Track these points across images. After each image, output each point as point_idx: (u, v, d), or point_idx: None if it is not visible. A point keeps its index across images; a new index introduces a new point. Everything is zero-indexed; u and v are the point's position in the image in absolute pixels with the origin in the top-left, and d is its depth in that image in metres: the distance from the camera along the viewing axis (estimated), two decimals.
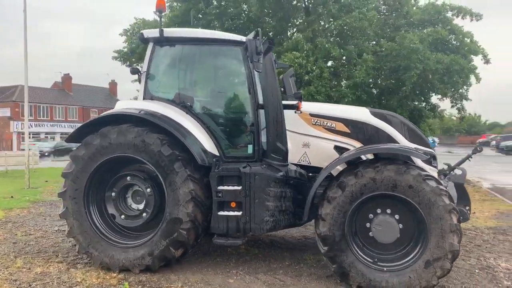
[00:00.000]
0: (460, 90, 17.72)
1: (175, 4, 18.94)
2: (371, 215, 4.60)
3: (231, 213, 4.92)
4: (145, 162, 5.07)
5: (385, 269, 4.46)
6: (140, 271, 5.00)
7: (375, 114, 5.40)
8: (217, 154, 5.23)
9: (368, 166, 4.53)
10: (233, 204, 4.94)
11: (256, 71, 4.80)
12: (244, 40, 5.26)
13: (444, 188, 4.38)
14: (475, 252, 6.04)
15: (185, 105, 5.35)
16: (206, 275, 4.99)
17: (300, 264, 5.45)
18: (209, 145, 5.21)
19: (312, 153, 5.44)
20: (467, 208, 5.26)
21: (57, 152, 38.08)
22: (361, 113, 5.43)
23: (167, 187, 4.95)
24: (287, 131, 5.14)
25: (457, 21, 17.98)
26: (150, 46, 5.53)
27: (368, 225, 4.61)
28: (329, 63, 16.85)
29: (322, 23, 17.58)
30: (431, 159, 5.17)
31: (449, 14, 17.70)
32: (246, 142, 5.36)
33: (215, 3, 18.75)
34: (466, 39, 17.31)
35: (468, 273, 5.12)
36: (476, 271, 5.21)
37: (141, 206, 5.28)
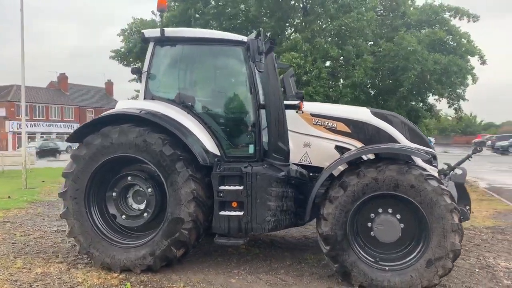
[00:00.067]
0: (458, 91, 17.83)
1: (172, 4, 18.92)
2: (372, 215, 4.62)
3: (233, 213, 4.92)
4: (147, 162, 5.06)
5: (387, 268, 4.47)
6: (142, 271, 4.98)
7: (376, 114, 5.42)
8: (218, 154, 5.23)
9: (370, 166, 4.54)
10: (234, 204, 4.94)
11: (258, 71, 4.80)
12: (246, 40, 5.26)
13: (446, 188, 4.41)
14: (474, 252, 6.08)
15: (186, 105, 5.34)
16: (208, 275, 4.99)
17: (301, 263, 5.46)
18: (210, 145, 5.21)
19: (313, 153, 5.45)
20: (467, 207, 5.29)
21: (42, 152, 37.57)
22: (362, 113, 5.45)
23: (168, 187, 4.95)
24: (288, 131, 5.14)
25: (454, 22, 18.12)
26: (150, 46, 5.52)
27: (369, 224, 4.62)
28: (327, 63, 16.88)
29: (320, 23, 17.61)
30: (431, 159, 5.20)
31: (447, 15, 17.80)
32: (247, 142, 5.36)
33: (213, 3, 18.74)
34: (463, 40, 17.40)
35: (468, 272, 5.15)
36: (476, 270, 5.24)
37: (142, 206, 5.26)
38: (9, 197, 11.36)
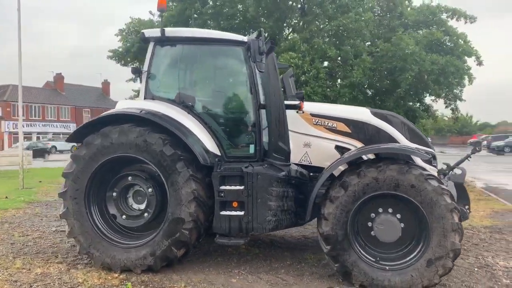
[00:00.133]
0: (455, 91, 17.92)
1: (170, 4, 18.89)
2: (373, 215, 4.64)
3: (233, 212, 4.93)
4: (147, 162, 5.06)
5: (387, 268, 4.49)
6: (142, 271, 4.98)
7: (375, 114, 5.45)
8: (219, 154, 5.24)
9: (371, 166, 4.56)
10: (235, 204, 4.95)
11: (259, 71, 4.81)
12: (246, 40, 5.27)
13: (446, 188, 4.43)
14: (473, 251, 6.11)
15: (186, 105, 5.34)
16: (209, 275, 4.99)
17: (301, 263, 5.47)
18: (210, 145, 5.21)
19: (313, 153, 5.47)
20: (467, 207, 5.32)
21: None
22: (362, 113, 5.47)
23: (169, 187, 4.94)
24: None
25: (451, 23, 18.20)
26: (151, 46, 5.51)
27: (370, 224, 4.64)
28: (325, 64, 16.92)
29: (318, 23, 17.65)
30: (431, 159, 5.22)
31: (444, 16, 17.88)
32: (247, 142, 5.37)
33: (211, 3, 18.74)
34: (460, 40, 17.49)
35: (468, 271, 5.18)
36: (475, 269, 5.27)
37: (142, 206, 5.25)
38: (6, 197, 11.30)
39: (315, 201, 4.86)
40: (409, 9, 19.08)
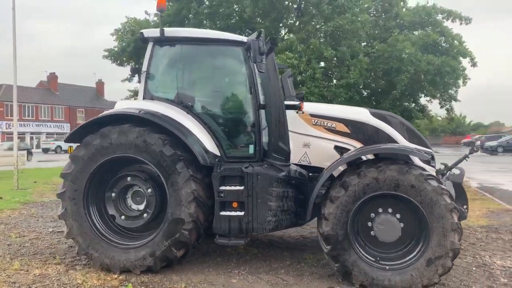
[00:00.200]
0: (450, 91, 18.04)
1: (166, 3, 18.82)
2: (372, 214, 4.65)
3: (233, 213, 4.92)
4: (146, 163, 5.04)
5: (387, 267, 4.51)
6: (141, 272, 4.95)
7: (374, 115, 5.47)
8: (219, 154, 5.23)
9: (371, 166, 4.58)
10: (235, 204, 4.94)
11: (259, 71, 4.81)
12: (245, 41, 5.27)
13: (445, 188, 4.46)
14: (470, 250, 6.15)
15: (186, 105, 5.33)
16: (208, 276, 4.98)
17: (300, 263, 5.48)
18: (210, 145, 5.20)
19: (313, 153, 5.48)
20: (465, 207, 5.36)
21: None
22: (361, 114, 5.49)
23: (169, 187, 4.93)
24: None
25: (447, 24, 18.31)
26: (150, 46, 5.49)
27: (369, 224, 4.66)
28: (322, 64, 16.95)
29: (314, 24, 17.69)
30: (429, 159, 5.25)
31: (439, 17, 17.99)
32: (247, 142, 5.37)
33: (207, 3, 18.71)
34: (455, 41, 17.62)
35: (466, 271, 5.21)
36: (473, 268, 5.31)
37: (141, 207, 5.23)
38: (1, 198, 11.21)
39: (315, 201, 4.87)
40: (404, 9, 19.18)
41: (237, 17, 19.11)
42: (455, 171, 5.70)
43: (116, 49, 19.28)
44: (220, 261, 5.56)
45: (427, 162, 5.19)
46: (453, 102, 18.85)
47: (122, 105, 5.55)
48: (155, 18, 19.42)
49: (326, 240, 4.62)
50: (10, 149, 37.08)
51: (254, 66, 5.12)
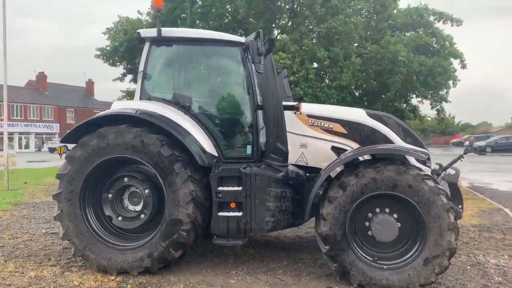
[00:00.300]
0: (440, 92, 18.24)
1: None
2: (370, 214, 4.69)
3: (232, 213, 4.92)
4: (144, 163, 5.02)
5: (385, 267, 4.55)
6: (139, 273, 4.93)
7: (371, 115, 5.52)
8: (216, 154, 5.23)
9: (369, 166, 4.61)
10: (233, 205, 4.93)
11: (258, 72, 4.82)
12: (243, 41, 5.28)
13: (442, 188, 4.51)
14: (464, 250, 6.23)
15: (183, 106, 5.31)
16: (207, 276, 4.97)
17: (298, 263, 5.50)
18: (208, 146, 5.19)
19: (310, 153, 5.51)
20: (460, 206, 5.43)
21: None
22: (358, 114, 5.53)
23: (166, 188, 4.91)
24: None
25: (438, 25, 18.50)
26: (146, 46, 5.46)
27: (367, 224, 4.69)
28: (315, 65, 17.01)
29: (307, 24, 17.75)
30: (426, 159, 5.30)
31: (431, 18, 18.18)
32: (245, 142, 5.37)
33: (200, 2, 18.66)
34: (446, 42, 17.82)
35: (461, 269, 5.28)
36: (468, 267, 5.38)
37: (138, 208, 5.21)
38: None
39: (313, 202, 4.89)
40: (395, 11, 19.34)
41: (230, 17, 19.09)
42: (451, 171, 5.77)
43: (108, 48, 19.12)
44: (218, 261, 5.55)
45: (423, 163, 5.24)
46: (444, 103, 19.06)
47: (119, 106, 5.51)
48: (148, 18, 19.33)
49: (325, 240, 4.64)
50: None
51: (251, 66, 5.14)
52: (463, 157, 6.15)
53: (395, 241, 4.63)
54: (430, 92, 17.84)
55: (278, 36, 18.81)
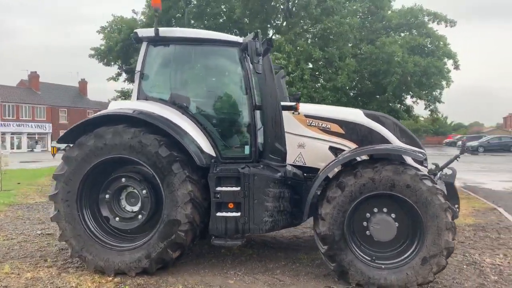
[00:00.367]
0: (434, 93, 18.35)
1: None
2: (368, 214, 4.71)
3: (230, 214, 4.91)
4: (141, 163, 4.99)
5: (383, 266, 4.57)
6: (137, 274, 4.91)
7: (368, 116, 5.54)
8: (214, 155, 5.22)
9: (367, 166, 4.63)
10: (231, 205, 4.93)
11: (257, 72, 4.81)
12: (241, 41, 5.28)
13: (439, 187, 4.55)
14: (460, 249, 6.27)
15: (181, 106, 5.29)
16: (205, 277, 4.96)
17: (295, 263, 5.50)
18: (206, 146, 5.18)
19: (307, 153, 5.52)
20: (456, 206, 5.47)
21: None
22: (355, 115, 5.56)
23: (164, 188, 4.89)
24: None
25: (432, 25, 18.61)
26: (144, 46, 5.44)
27: (365, 224, 4.71)
28: (310, 65, 17.04)
29: (302, 24, 17.77)
30: (423, 159, 5.34)
31: (426, 19, 18.30)
32: (242, 143, 5.37)
33: (195, 2, 18.61)
34: (440, 43, 17.95)
35: (457, 269, 5.32)
36: (464, 266, 5.42)
37: (135, 208, 5.18)
38: None
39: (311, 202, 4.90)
40: (389, 12, 19.44)
41: (224, 17, 19.06)
42: (447, 171, 5.81)
43: (102, 47, 18.99)
44: (215, 262, 5.54)
45: (420, 163, 5.28)
46: (437, 104, 19.18)
47: (116, 106, 5.49)
48: (143, 17, 19.24)
49: (323, 240, 4.65)
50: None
51: (249, 66, 5.14)
52: (459, 157, 6.19)
53: (393, 240, 4.65)
54: (425, 92, 17.95)
55: (273, 36, 18.82)
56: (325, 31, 16.17)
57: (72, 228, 5.06)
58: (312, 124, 5.49)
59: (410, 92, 17.99)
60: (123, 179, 5.14)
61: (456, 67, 18.69)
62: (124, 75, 18.96)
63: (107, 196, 5.14)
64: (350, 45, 17.94)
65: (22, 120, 56.18)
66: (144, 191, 5.08)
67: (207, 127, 5.30)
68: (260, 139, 5.26)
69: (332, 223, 4.61)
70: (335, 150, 5.43)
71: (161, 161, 4.87)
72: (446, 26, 18.20)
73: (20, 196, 12.06)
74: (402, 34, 18.58)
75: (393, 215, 4.65)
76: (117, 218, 5.16)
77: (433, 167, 6.07)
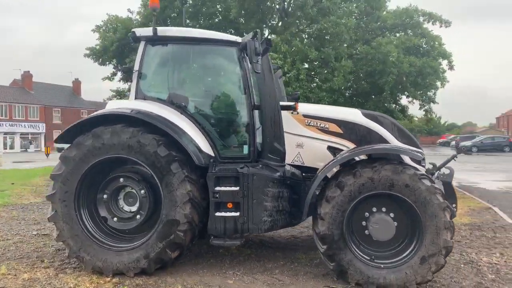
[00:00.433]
0: (428, 93, 18.46)
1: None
2: (367, 214, 4.72)
3: (229, 213, 4.90)
4: (140, 163, 4.97)
5: (382, 266, 4.59)
6: (135, 274, 4.89)
7: (366, 115, 5.56)
8: (213, 154, 5.21)
9: (366, 166, 4.65)
10: (230, 205, 4.92)
11: (256, 71, 4.81)
12: (239, 41, 5.27)
13: (438, 187, 4.57)
14: (457, 248, 6.30)
15: (179, 105, 5.28)
16: (204, 277, 4.95)
17: (294, 263, 5.51)
18: (204, 146, 5.17)
19: (306, 153, 5.53)
20: (454, 205, 5.49)
21: None
22: (353, 115, 5.57)
23: (163, 188, 4.87)
24: None
25: (427, 26, 18.72)
26: (141, 45, 5.42)
27: (364, 223, 4.73)
28: (306, 65, 17.06)
29: (298, 24, 17.78)
30: (422, 159, 5.36)
31: (421, 19, 18.39)
32: (241, 142, 5.37)
33: (190, 1, 18.56)
34: (435, 43, 18.05)
35: (455, 268, 5.36)
36: (462, 265, 5.46)
37: (133, 208, 5.16)
38: None
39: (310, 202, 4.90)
40: (384, 12, 19.52)
41: (220, 17, 19.03)
42: (445, 170, 5.84)
43: (98, 47, 18.88)
44: (214, 262, 5.53)
45: (418, 162, 5.30)
46: (432, 104, 19.28)
47: (114, 105, 5.46)
48: (138, 17, 19.15)
49: (322, 240, 4.66)
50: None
51: (248, 66, 5.14)
52: (456, 157, 6.23)
53: (392, 240, 4.67)
54: (419, 92, 18.04)
55: (269, 36, 18.82)
56: (321, 32, 16.19)
57: (69, 228, 5.03)
58: (310, 124, 5.49)
59: (406, 92, 18.07)
60: (121, 179, 5.11)
61: (451, 67, 18.81)
62: (119, 75, 18.90)
63: (105, 196, 5.11)
64: (345, 45, 18.00)
65: (15, 120, 55.72)
66: (142, 191, 5.06)
67: (205, 126, 5.29)
68: (259, 139, 5.26)
69: (331, 223, 4.61)
70: (333, 150, 5.44)
71: (159, 161, 4.85)
72: (441, 26, 18.30)
73: (15, 196, 11.95)
74: (398, 35, 18.67)
75: (392, 215, 4.67)
76: (115, 218, 5.13)
77: (431, 166, 6.10)
